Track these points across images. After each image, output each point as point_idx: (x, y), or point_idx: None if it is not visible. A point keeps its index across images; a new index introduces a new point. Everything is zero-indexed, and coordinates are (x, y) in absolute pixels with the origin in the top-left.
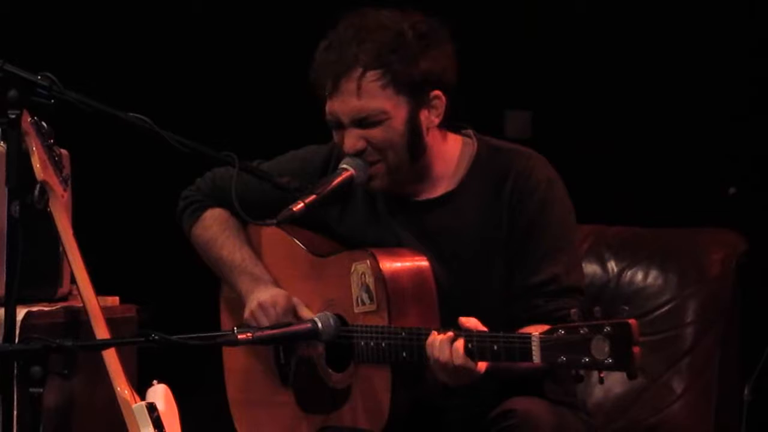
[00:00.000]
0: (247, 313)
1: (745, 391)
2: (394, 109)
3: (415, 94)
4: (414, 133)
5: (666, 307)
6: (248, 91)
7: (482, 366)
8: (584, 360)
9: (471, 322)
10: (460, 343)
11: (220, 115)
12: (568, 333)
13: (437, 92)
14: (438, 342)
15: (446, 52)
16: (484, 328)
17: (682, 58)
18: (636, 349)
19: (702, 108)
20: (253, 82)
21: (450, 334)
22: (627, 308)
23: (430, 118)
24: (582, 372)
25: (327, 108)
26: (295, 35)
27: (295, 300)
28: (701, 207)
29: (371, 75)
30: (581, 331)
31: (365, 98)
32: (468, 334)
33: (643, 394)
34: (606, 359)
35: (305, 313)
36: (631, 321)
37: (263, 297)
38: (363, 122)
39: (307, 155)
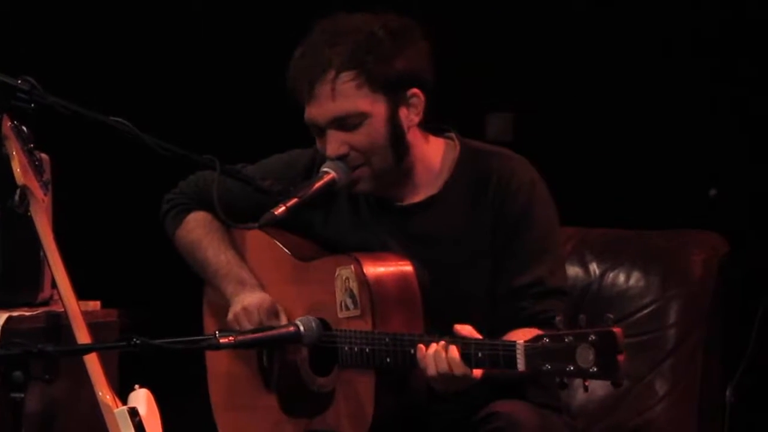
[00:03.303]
0: (230, 316)
1: (728, 393)
2: (372, 108)
3: (392, 93)
4: (395, 132)
5: (648, 309)
6: (232, 94)
7: (478, 372)
8: (569, 368)
9: (465, 330)
10: (456, 352)
11: (204, 118)
12: (552, 341)
13: (415, 90)
14: (432, 353)
15: (421, 50)
16: (479, 336)
17: (663, 60)
18: (621, 358)
19: (683, 110)
20: (237, 85)
21: (442, 343)
22: (612, 316)
23: (410, 116)
24: (566, 379)
25: (305, 114)
26: (278, 39)
27: (278, 306)
28: (682, 209)
29: (345, 76)
30: (566, 340)
31: (340, 99)
32: (452, 341)
33: (626, 396)
34: (591, 368)
35: (286, 321)
36: (616, 329)
37: (248, 300)
38: (342, 124)
39: (290, 159)
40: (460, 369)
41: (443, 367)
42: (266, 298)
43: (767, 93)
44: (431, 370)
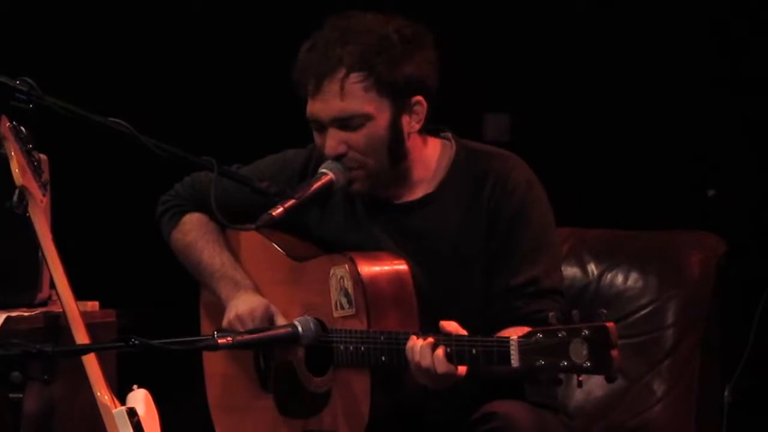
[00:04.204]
0: (225, 323)
1: (726, 393)
2: (377, 112)
3: (398, 99)
4: (395, 138)
5: (646, 310)
6: (228, 95)
7: (463, 369)
8: (563, 363)
9: (451, 326)
10: (441, 350)
11: (200, 119)
12: (546, 336)
13: (419, 98)
14: (419, 348)
15: (430, 58)
16: (464, 332)
17: (660, 61)
18: (614, 353)
19: (681, 110)
20: (233, 86)
21: (430, 339)
22: (605, 311)
23: (411, 123)
24: (561, 375)
25: (308, 109)
26: (276, 39)
27: (273, 309)
28: (680, 209)
29: (355, 76)
30: (559, 335)
31: (348, 99)
32: (446, 338)
33: (624, 396)
34: (584, 363)
35: (282, 323)
36: (609, 324)
37: (241, 308)
38: (345, 124)
39: (286, 159)
40: (443, 368)
41: (427, 363)
42: (260, 304)
43: (766, 93)
44: (413, 365)
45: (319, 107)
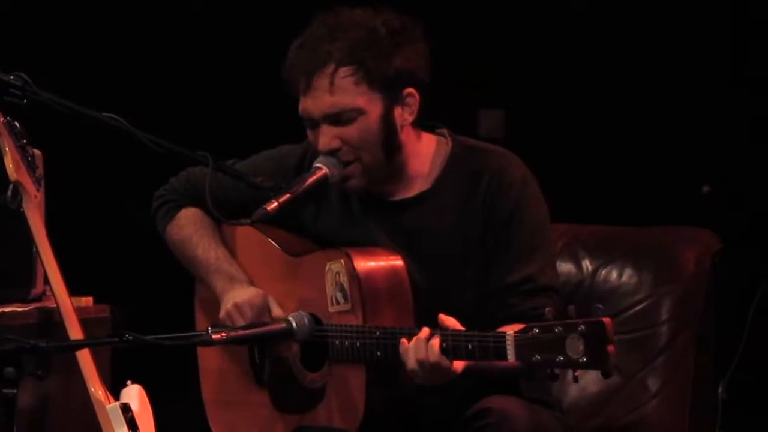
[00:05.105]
0: (222, 313)
1: (720, 389)
2: (368, 105)
3: (389, 91)
4: (388, 131)
5: (641, 306)
6: (223, 90)
7: (458, 365)
8: (559, 359)
9: (450, 321)
10: (435, 341)
11: (195, 114)
12: (542, 332)
13: (411, 90)
14: (413, 341)
15: (419, 50)
16: (462, 328)
17: (655, 57)
18: (611, 348)
19: (675, 107)
20: (228, 81)
21: (426, 331)
22: (601, 307)
23: (404, 116)
24: (557, 371)
25: (300, 106)
26: (270, 34)
27: (270, 299)
28: (675, 206)
29: (344, 71)
30: (556, 330)
31: (338, 94)
32: (443, 332)
33: (618, 392)
34: (580, 358)
35: (279, 313)
36: (606, 320)
37: (239, 298)
38: (337, 119)
39: (281, 154)
40: (436, 357)
41: (421, 355)
42: (257, 294)
43: (762, 91)
44: (411, 362)
45: (310, 104)
